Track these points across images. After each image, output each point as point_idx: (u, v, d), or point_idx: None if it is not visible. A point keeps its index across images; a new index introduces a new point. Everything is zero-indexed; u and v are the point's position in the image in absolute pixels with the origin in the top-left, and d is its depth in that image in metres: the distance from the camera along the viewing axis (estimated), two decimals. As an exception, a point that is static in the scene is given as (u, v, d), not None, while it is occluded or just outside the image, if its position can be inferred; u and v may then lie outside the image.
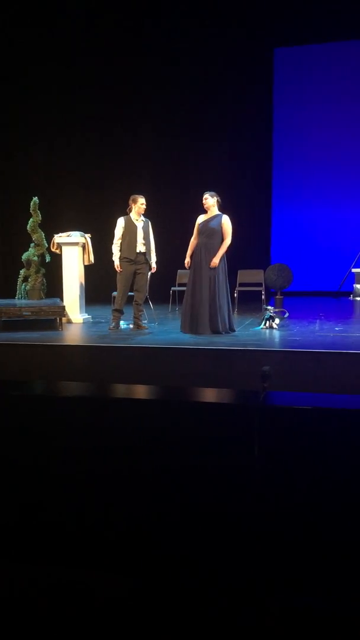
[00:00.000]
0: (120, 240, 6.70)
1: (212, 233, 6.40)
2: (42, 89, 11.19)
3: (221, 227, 6.38)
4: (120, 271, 6.74)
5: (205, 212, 6.53)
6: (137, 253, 6.68)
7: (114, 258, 6.73)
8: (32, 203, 7.93)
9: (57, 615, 2.33)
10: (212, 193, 6.49)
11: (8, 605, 2.39)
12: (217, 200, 6.45)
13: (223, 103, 11.21)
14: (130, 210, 6.75)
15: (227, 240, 6.37)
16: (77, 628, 2.25)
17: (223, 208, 6.59)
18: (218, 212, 6.46)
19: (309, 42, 11.13)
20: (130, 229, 6.68)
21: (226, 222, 6.40)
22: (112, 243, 6.75)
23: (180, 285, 8.95)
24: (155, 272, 6.95)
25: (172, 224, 10.60)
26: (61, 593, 2.49)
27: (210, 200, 6.43)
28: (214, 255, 6.33)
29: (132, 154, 11.33)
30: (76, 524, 2.72)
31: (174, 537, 2.58)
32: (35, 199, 7.96)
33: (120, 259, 6.71)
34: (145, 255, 6.74)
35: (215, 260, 6.30)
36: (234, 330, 6.47)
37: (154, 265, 6.83)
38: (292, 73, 11.41)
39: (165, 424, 2.61)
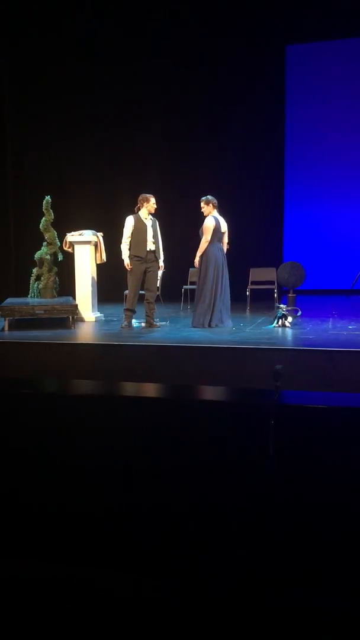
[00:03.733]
0: (129, 239, 6.73)
1: (200, 234, 6.84)
2: (54, 88, 11.20)
3: (202, 229, 6.80)
4: (131, 269, 6.76)
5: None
6: (148, 251, 6.72)
7: (123, 257, 6.77)
8: (44, 202, 7.94)
9: (73, 613, 2.33)
10: (203, 198, 6.90)
11: (23, 602, 2.40)
12: (212, 204, 6.84)
13: (234, 102, 11.13)
14: (139, 209, 6.78)
15: (203, 239, 6.76)
16: (88, 625, 2.25)
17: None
18: (208, 215, 6.83)
19: (321, 39, 11.02)
20: (140, 227, 6.71)
21: (204, 224, 6.79)
22: (121, 242, 6.78)
23: (192, 283, 8.93)
24: (165, 270, 6.98)
25: (182, 224, 10.59)
26: (75, 591, 2.49)
27: (205, 209, 6.85)
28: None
29: (143, 153, 11.31)
30: (87, 522, 2.73)
31: (188, 534, 2.57)
32: (48, 197, 7.97)
33: (131, 257, 6.73)
34: (155, 253, 6.78)
35: (195, 260, 6.85)
36: (211, 327, 6.77)
37: (162, 263, 6.87)
38: (305, 71, 11.32)
39: (178, 422, 2.60)
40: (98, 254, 7.71)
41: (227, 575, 2.50)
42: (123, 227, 6.82)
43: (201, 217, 6.95)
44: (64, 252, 7.94)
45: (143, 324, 6.99)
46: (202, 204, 6.88)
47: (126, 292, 7.03)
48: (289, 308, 7.46)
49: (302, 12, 10.42)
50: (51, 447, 2.77)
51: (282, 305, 7.11)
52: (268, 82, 11.11)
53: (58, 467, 2.76)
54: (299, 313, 7.74)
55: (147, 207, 6.76)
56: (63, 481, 2.76)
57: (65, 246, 7.74)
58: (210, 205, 6.83)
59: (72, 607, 2.34)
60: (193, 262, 7.00)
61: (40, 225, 8.03)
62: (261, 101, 11.09)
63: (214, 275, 6.77)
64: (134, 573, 2.62)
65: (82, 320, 7.48)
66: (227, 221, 7.00)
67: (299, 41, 11.17)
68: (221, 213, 6.97)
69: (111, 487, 2.68)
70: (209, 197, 6.90)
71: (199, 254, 6.78)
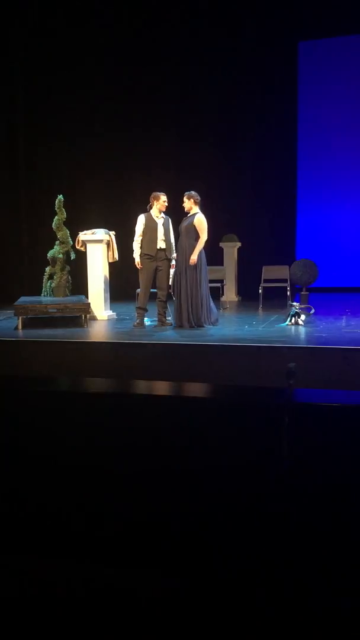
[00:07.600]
0: (140, 237, 6.73)
1: (186, 232, 6.55)
2: (66, 88, 11.23)
3: (193, 226, 6.49)
4: (141, 268, 6.76)
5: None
6: (158, 249, 6.71)
7: (134, 255, 6.77)
8: (57, 201, 7.96)
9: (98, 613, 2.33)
10: (188, 194, 6.63)
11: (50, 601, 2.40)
12: (194, 200, 6.57)
13: (246, 100, 11.08)
14: (151, 207, 6.77)
15: (202, 237, 6.48)
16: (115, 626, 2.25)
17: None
18: (195, 212, 6.58)
19: (335, 34, 10.92)
20: (150, 225, 6.70)
21: (198, 220, 6.50)
22: (133, 240, 6.78)
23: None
24: (175, 269, 6.96)
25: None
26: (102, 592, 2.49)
27: (187, 203, 6.59)
28: (188, 253, 6.47)
29: (155, 153, 11.30)
30: (97, 520, 2.72)
31: (199, 533, 2.56)
32: (61, 196, 7.99)
33: (141, 255, 6.73)
34: (166, 251, 6.76)
35: (193, 258, 6.43)
36: (212, 325, 6.62)
37: (173, 262, 6.86)
38: (318, 67, 11.23)
39: (191, 421, 2.59)
40: (110, 253, 7.71)
41: (238, 575, 2.48)
42: (135, 225, 6.83)
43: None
44: (77, 251, 7.96)
45: (155, 323, 6.99)
46: (184, 200, 6.58)
47: (138, 290, 7.03)
48: (302, 306, 7.42)
49: (314, 8, 10.34)
50: (64, 445, 2.78)
51: (295, 303, 7.07)
52: (281, 80, 11.05)
53: (70, 465, 2.76)
54: (312, 311, 7.69)
55: (158, 205, 6.73)
56: (74, 479, 2.76)
57: (78, 245, 7.76)
58: (192, 200, 6.57)
59: (78, 605, 2.34)
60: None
61: (53, 224, 8.05)
62: (274, 99, 11.03)
63: (202, 274, 6.64)
64: (139, 570, 2.61)
65: (94, 318, 7.49)
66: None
67: (312, 37, 11.09)
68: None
69: (122, 485, 2.68)
70: (193, 192, 6.64)
71: (196, 252, 6.43)
